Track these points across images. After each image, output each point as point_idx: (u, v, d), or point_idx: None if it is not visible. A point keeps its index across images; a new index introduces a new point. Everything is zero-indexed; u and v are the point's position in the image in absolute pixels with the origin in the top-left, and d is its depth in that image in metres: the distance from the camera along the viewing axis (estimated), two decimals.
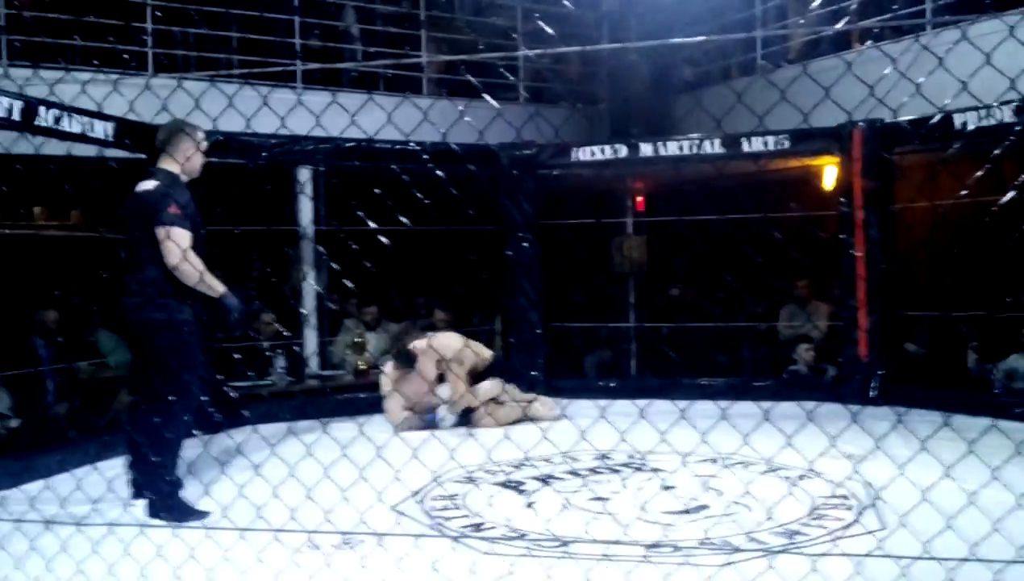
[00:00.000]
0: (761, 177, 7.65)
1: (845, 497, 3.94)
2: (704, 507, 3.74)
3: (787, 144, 6.88)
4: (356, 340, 7.55)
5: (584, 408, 5.94)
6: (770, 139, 6.91)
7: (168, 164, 4.05)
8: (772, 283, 7.64)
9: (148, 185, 3.97)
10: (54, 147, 5.32)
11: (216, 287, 3.94)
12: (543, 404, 6.15)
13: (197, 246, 3.92)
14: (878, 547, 2.53)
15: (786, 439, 2.30)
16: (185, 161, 4.03)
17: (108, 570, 2.71)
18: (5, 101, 4.87)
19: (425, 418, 6.02)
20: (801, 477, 4.29)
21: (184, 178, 4.06)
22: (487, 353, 6.40)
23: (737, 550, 3.03)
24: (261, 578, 2.67)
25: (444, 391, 6.10)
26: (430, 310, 7.95)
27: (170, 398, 3.74)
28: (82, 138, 5.45)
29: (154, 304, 3.84)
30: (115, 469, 3.81)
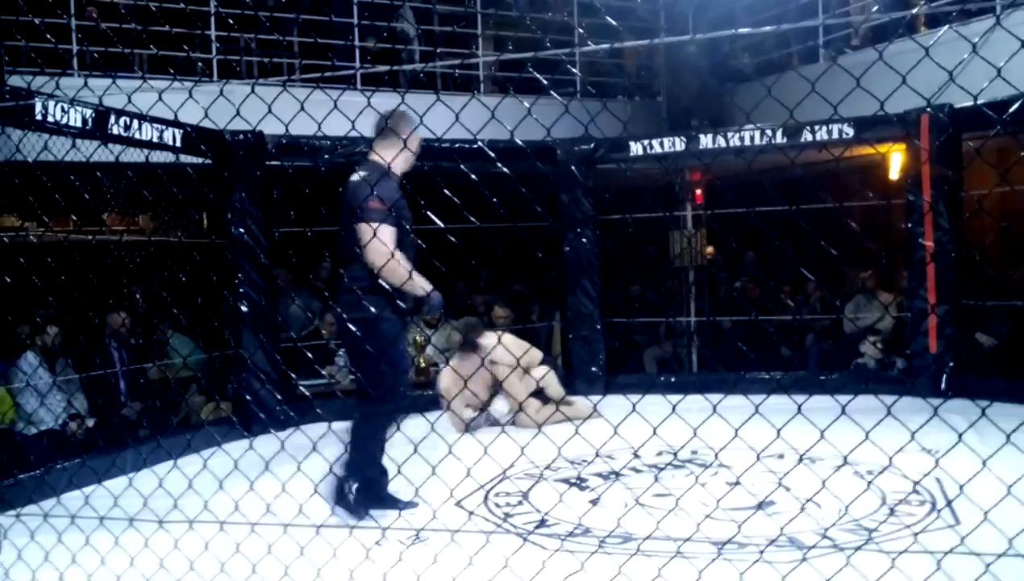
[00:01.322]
0: (824, 167, 7.52)
1: (919, 492, 3.86)
2: (772, 503, 3.70)
3: (851, 132, 6.75)
4: (417, 338, 7.62)
5: (644, 404, 5.89)
6: (833, 128, 6.79)
7: (378, 155, 3.81)
8: (837, 274, 7.51)
9: (355, 177, 3.80)
10: (129, 155, 5.49)
11: (423, 286, 3.72)
12: (576, 403, 6.20)
13: (404, 242, 3.71)
14: (960, 543, 2.47)
15: (865, 434, 2.26)
16: (398, 153, 3.72)
17: (190, 565, 2.78)
18: (80, 111, 5.04)
19: (489, 417, 6.09)
20: (871, 472, 4.21)
21: (396, 171, 3.80)
22: (538, 356, 6.39)
23: (811, 547, 2.99)
24: (336, 573, 2.71)
25: (501, 402, 6.19)
26: (489, 307, 7.98)
27: (374, 394, 3.69)
28: (152, 145, 5.60)
29: (359, 304, 3.63)
30: (192, 466, 3.90)
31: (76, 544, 2.94)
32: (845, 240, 7.79)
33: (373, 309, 3.60)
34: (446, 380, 6.15)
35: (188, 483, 2.82)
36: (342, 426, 5.73)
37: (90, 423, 5.87)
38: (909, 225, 6.62)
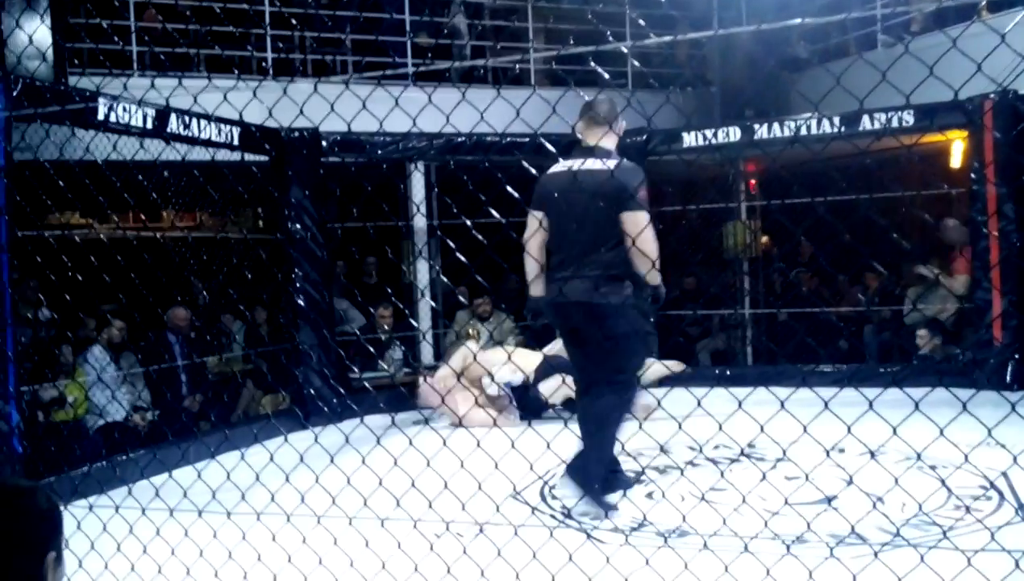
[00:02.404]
0: (883, 155, 7.37)
1: (990, 488, 3.77)
2: (834, 497, 3.64)
3: (910, 120, 6.59)
4: (469, 331, 7.65)
5: (699, 397, 5.84)
6: (892, 115, 6.64)
7: (608, 141, 3.80)
8: (897, 264, 7.36)
9: (603, 163, 3.66)
10: (189, 153, 5.60)
11: (657, 275, 3.71)
12: None
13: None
14: None
15: (940, 430, 2.21)
16: (620, 138, 3.77)
17: (258, 558, 2.83)
18: (141, 111, 5.14)
19: (502, 398, 5.87)
20: (935, 467, 4.13)
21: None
22: (535, 360, 6.17)
23: (884, 545, 2.94)
24: (401, 565, 2.74)
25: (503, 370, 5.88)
26: None
27: (620, 378, 3.71)
28: (211, 143, 5.70)
29: (609, 287, 3.65)
30: (256, 456, 3.97)
31: (147, 534, 3.01)
32: (904, 230, 7.64)
33: (622, 294, 3.65)
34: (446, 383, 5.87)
35: (256, 476, 2.87)
36: (402, 417, 5.80)
37: (153, 415, 6.02)
38: (972, 214, 6.46)
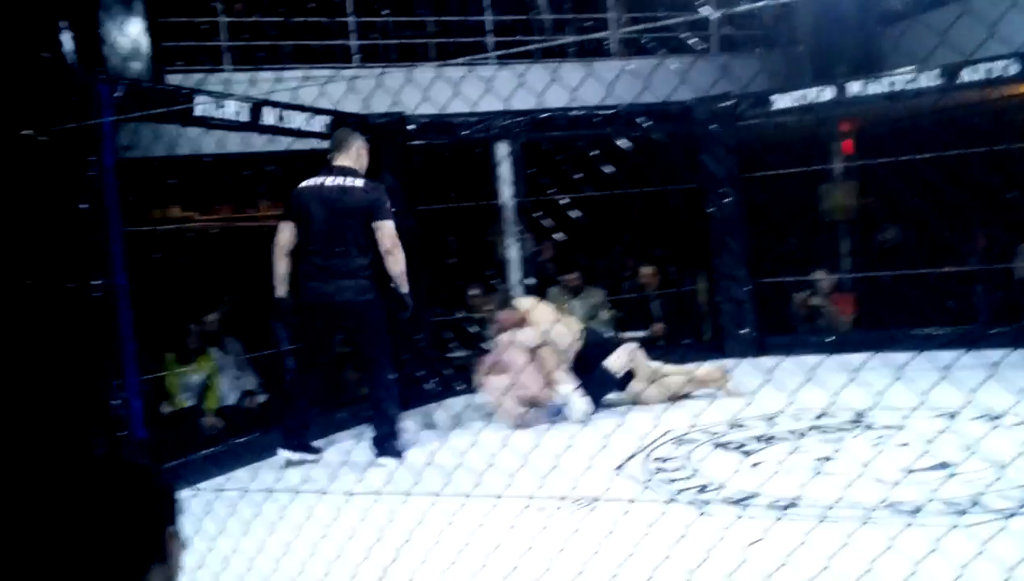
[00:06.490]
0: (985, 108, 7.04)
1: None
2: (944, 465, 3.53)
3: (1015, 69, 6.27)
4: (560, 304, 7.64)
5: (799, 365, 5.71)
6: (995, 65, 6.32)
7: (355, 163, 4.68)
8: (1008, 221, 7.04)
9: (355, 181, 4.58)
10: (268, 144, 5.74)
11: (406, 284, 4.53)
12: (692, 371, 5.58)
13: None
14: None
15: None
16: (359, 158, 4.67)
17: (378, 537, 2.91)
18: (235, 105, 5.29)
19: (549, 411, 5.25)
20: None
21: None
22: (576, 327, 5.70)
23: (1013, 513, 2.84)
24: (484, 540, 2.77)
25: (564, 383, 5.30)
26: (636, 271, 7.89)
27: (382, 360, 4.53)
28: (301, 133, 5.81)
29: (366, 288, 4.48)
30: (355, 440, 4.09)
31: (251, 515, 3.12)
32: (1013, 184, 7.29)
33: (375, 293, 4.54)
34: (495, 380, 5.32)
35: (346, 456, 2.94)
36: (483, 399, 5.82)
37: (262, 399, 6.24)
38: None
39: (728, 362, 5.98)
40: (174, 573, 1.30)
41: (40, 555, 1.19)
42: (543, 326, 5.30)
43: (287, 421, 4.73)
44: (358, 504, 3.02)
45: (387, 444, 4.46)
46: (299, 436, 4.68)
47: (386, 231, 4.45)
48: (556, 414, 5.19)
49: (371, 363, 4.63)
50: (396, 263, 4.47)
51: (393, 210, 4.62)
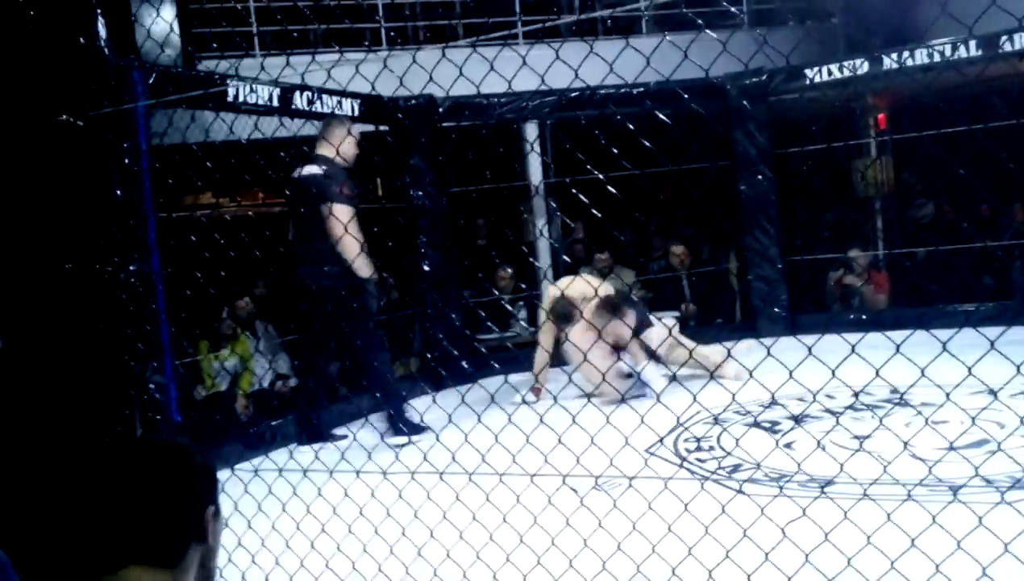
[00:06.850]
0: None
1: None
2: (984, 442, 3.47)
3: None
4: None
5: (832, 343, 5.63)
6: None
7: (328, 151, 4.67)
8: None
9: (316, 168, 4.63)
10: (303, 128, 5.74)
11: (365, 268, 4.55)
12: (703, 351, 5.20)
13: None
14: None
15: None
16: (339, 147, 4.61)
17: (386, 512, 2.93)
18: (267, 90, 5.30)
19: (635, 387, 5.26)
20: None
21: (341, 163, 4.68)
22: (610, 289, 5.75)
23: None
24: (520, 518, 2.78)
25: (642, 359, 5.38)
26: (666, 250, 7.83)
27: (363, 344, 4.61)
28: (332, 117, 5.82)
29: (327, 273, 4.53)
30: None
31: (285, 495, 3.15)
32: None
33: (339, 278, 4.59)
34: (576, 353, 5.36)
35: (379, 436, 2.94)
36: (518, 378, 5.85)
37: (293, 383, 6.28)
38: None
39: (729, 344, 5.87)
40: (214, 551, 1.32)
41: (85, 533, 1.21)
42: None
43: (296, 415, 4.86)
44: (394, 483, 3.04)
45: (394, 425, 4.58)
46: (310, 427, 4.75)
47: (333, 215, 4.35)
48: (640, 390, 5.21)
49: (355, 350, 4.68)
50: (345, 248, 4.42)
51: (347, 194, 4.56)
